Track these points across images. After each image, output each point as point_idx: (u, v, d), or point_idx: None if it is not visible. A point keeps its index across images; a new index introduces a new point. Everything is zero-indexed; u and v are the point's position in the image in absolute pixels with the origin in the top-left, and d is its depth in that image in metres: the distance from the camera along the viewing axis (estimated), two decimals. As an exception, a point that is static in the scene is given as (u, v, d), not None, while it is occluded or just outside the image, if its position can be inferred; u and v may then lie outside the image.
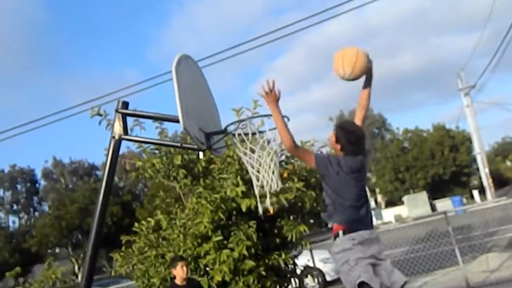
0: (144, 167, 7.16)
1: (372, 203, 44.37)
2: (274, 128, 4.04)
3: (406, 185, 39.03)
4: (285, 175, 6.75)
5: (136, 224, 7.30)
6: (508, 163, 47.33)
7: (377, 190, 44.34)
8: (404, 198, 35.63)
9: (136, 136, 4.04)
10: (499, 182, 37.38)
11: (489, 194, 30.75)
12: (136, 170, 7.45)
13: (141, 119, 5.92)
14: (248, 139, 4.08)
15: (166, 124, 6.86)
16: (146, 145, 7.17)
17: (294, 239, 6.49)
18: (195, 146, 3.79)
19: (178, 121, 3.39)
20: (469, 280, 7.47)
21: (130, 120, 4.64)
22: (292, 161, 7.23)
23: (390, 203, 41.70)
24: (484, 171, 31.98)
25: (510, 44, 23.23)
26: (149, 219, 7.24)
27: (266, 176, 3.90)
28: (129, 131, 4.33)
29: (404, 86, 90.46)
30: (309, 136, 7.85)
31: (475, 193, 33.62)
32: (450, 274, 8.62)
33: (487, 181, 31.47)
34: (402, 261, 9.86)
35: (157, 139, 4.33)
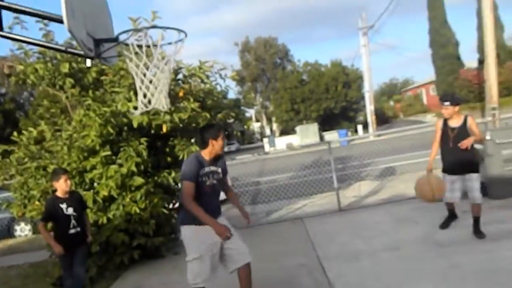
0: (26, 72, 6.53)
1: (268, 131, 46.18)
2: (170, 43, 3.89)
3: (300, 116, 40.95)
4: (181, 94, 6.63)
5: (15, 134, 6.77)
6: (391, 102, 51.68)
7: (274, 119, 46.00)
8: (297, 128, 37.53)
9: (14, 34, 3.58)
10: (382, 119, 40.88)
11: (371, 129, 33.62)
12: (17, 75, 6.77)
13: (22, 18, 5.30)
14: (143, 52, 3.87)
15: (55, 30, 6.23)
16: (28, 48, 6.49)
17: (185, 159, 6.54)
18: (82, 52, 3.49)
19: (61, 21, 3.06)
20: (341, 204, 8.30)
21: (9, 18, 4.10)
22: (190, 80, 7.10)
23: (284, 132, 43.69)
24: (369, 108, 34.66)
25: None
26: (30, 129, 6.75)
27: (156, 94, 3.80)
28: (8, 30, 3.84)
29: (311, 20, 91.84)
30: (212, 59, 7.68)
31: (359, 127, 36.53)
32: (326, 198, 9.48)
33: (370, 118, 34.26)
34: (287, 185, 10.58)
35: (38, 39, 3.89)
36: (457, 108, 5.38)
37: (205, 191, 3.88)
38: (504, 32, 34.12)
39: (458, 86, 34.18)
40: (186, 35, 3.78)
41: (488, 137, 7.16)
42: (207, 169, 3.91)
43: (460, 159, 5.33)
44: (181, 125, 6.41)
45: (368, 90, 35.15)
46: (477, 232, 5.38)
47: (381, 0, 62.58)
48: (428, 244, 5.50)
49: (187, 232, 3.87)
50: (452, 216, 5.97)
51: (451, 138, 5.39)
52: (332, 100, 39.15)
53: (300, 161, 15.00)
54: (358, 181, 10.65)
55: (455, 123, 5.40)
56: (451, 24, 35.81)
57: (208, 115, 6.71)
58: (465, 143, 5.17)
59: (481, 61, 25.74)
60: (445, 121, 5.49)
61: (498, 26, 32.23)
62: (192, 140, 6.76)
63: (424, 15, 36.24)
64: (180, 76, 7.04)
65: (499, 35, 31.83)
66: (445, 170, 5.55)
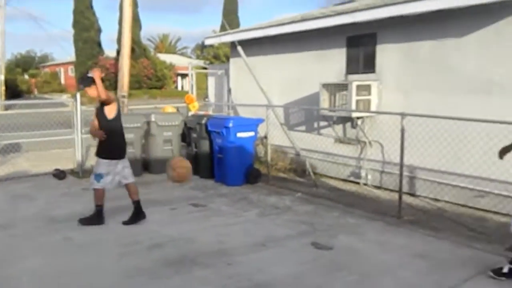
0: None
1: None
2: None
3: None
4: None
5: None
6: (26, 76, 47.82)
7: None
8: None
9: None
10: (14, 92, 37.12)
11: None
12: None
13: None
14: None
15: None
16: None
17: None
18: None
19: None
20: None
21: None
22: None
23: None
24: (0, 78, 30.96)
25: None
26: None
27: None
28: None
29: None
30: None
31: (-15, 98, 32.07)
32: None
33: (0, 89, 30.69)
34: None
35: None
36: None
37: None
38: (141, 30, 37.56)
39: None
40: None
41: (153, 119, 8.10)
42: None
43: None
44: None
45: (0, 58, 31.33)
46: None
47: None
48: (43, 220, 5.43)
49: None
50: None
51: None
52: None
53: None
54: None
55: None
56: (96, 10, 36.45)
57: None
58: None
59: (119, 52, 27.44)
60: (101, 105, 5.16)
61: (137, 23, 35.22)
62: None
63: (70, -7, 35.42)
64: None
65: (136, 31, 34.82)
66: None
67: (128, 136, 7.82)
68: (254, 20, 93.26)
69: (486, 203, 5.85)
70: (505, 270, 3.83)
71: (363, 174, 7.42)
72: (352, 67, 7.70)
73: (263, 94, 8.83)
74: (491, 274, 3.87)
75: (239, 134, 7.32)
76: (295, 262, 4.25)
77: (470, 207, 6.02)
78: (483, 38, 5.87)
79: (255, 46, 9.53)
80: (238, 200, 6.48)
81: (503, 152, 4.09)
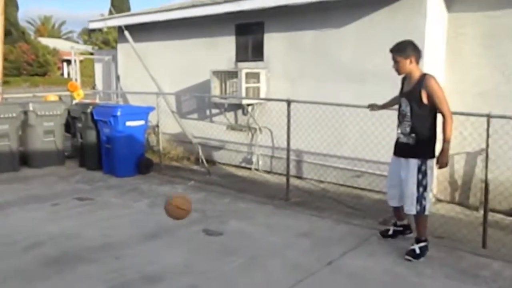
0: None
1: None
2: None
3: None
4: None
5: None
6: None
7: None
8: None
9: None
10: None
11: None
12: None
13: None
14: None
15: None
16: None
17: None
18: None
19: None
20: None
21: None
22: None
23: None
24: None
25: None
26: None
27: None
28: None
29: None
30: None
31: None
32: None
33: None
34: None
35: None
36: None
37: None
38: (19, 11, 34.24)
39: (-35, 56, 31.47)
40: None
41: (31, 108, 7.42)
42: None
43: None
44: None
45: None
46: None
47: None
48: None
49: None
50: None
51: None
52: None
53: None
54: None
55: None
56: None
57: None
58: None
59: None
60: None
61: (13, 3, 32.06)
62: None
63: None
64: None
65: (13, 12, 31.68)
66: None
67: (2, 127, 7.17)
68: (148, 5, 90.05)
69: (362, 182, 6.39)
70: (390, 232, 4.43)
71: (254, 159, 7.62)
72: (242, 55, 7.82)
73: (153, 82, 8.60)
74: (379, 235, 4.46)
75: (128, 123, 7.05)
76: (185, 250, 4.24)
77: (349, 186, 6.54)
78: (360, 29, 6.33)
79: (144, 31, 9.21)
80: (128, 191, 6.27)
81: (373, 106, 4.65)
